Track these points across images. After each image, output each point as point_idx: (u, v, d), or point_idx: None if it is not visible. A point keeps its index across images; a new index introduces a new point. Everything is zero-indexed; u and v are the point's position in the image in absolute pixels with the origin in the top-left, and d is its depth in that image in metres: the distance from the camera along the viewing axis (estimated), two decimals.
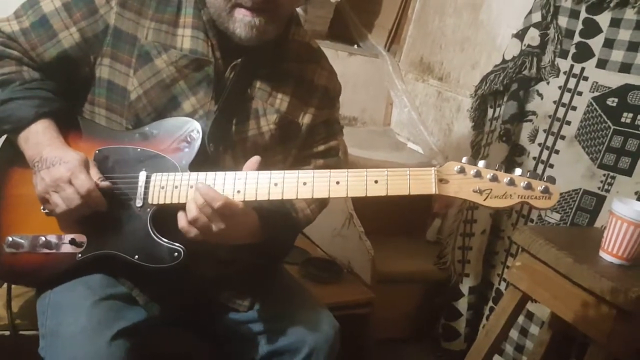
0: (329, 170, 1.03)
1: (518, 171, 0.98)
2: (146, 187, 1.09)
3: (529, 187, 0.96)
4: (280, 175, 1.04)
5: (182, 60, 1.13)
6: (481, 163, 0.99)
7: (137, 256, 1.08)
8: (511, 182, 0.97)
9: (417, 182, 0.99)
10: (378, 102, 2.90)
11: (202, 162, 1.11)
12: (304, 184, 1.02)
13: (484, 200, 0.97)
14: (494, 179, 0.97)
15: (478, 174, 0.98)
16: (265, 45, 1.14)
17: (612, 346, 1.38)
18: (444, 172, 0.99)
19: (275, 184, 1.03)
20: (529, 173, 0.98)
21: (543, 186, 0.97)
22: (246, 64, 1.15)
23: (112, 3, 1.12)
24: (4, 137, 1.17)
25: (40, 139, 1.08)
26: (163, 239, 1.08)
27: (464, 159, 0.99)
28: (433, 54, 2.74)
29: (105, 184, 1.07)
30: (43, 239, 1.11)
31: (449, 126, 2.61)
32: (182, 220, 1.03)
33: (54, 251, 1.11)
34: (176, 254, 1.07)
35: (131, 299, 1.16)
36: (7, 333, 1.28)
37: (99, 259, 1.11)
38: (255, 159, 1.06)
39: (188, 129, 1.12)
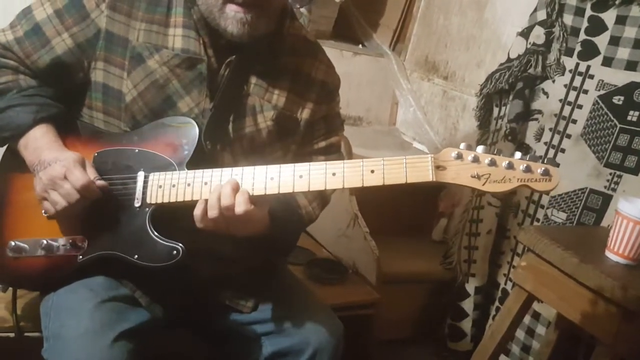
0: (324, 162, 1.03)
1: (517, 154, 0.96)
2: (144, 187, 1.10)
3: (528, 170, 0.94)
4: (277, 169, 1.03)
5: (174, 60, 1.14)
6: (479, 148, 0.97)
7: (136, 256, 1.09)
8: (510, 166, 0.95)
9: (414, 170, 0.97)
10: (383, 101, 2.89)
11: (200, 160, 1.11)
12: (300, 176, 1.02)
13: (483, 185, 0.95)
14: (492, 163, 0.95)
15: (476, 159, 0.96)
16: (259, 40, 1.14)
17: (618, 346, 1.37)
18: (441, 158, 0.97)
19: (272, 178, 1.03)
20: (528, 156, 0.96)
21: (543, 168, 0.94)
22: (241, 60, 1.15)
23: (103, 7, 1.13)
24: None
25: (39, 144, 1.09)
26: (162, 237, 1.08)
27: (462, 145, 0.97)
28: (438, 52, 2.73)
29: (101, 182, 1.08)
30: (44, 242, 1.12)
31: (454, 125, 2.60)
32: (199, 210, 1.03)
33: (55, 254, 1.12)
34: (175, 252, 1.07)
35: (134, 301, 1.16)
36: (12, 335, 1.29)
37: (100, 260, 1.11)
38: None
39: (184, 128, 1.12)
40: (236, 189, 1.02)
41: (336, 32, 2.90)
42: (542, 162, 0.95)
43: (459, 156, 0.97)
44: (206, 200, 1.03)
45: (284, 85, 1.22)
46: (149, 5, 1.14)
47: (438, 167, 0.97)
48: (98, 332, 1.04)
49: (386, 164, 0.98)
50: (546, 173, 0.95)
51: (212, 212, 1.01)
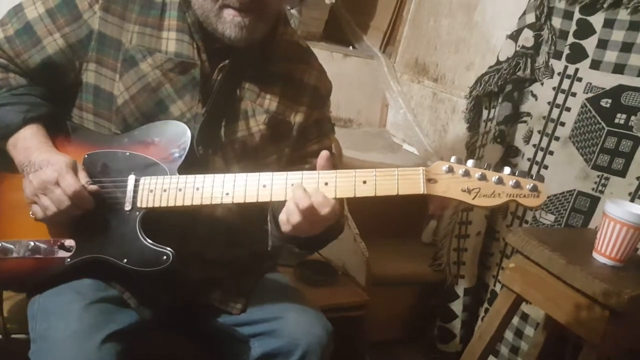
0: (317, 171, 1.03)
1: (507, 170, 0.98)
2: (135, 191, 1.09)
3: (517, 185, 0.96)
4: (269, 177, 1.04)
5: (168, 64, 1.13)
6: (470, 162, 0.99)
7: (125, 260, 1.08)
8: (499, 181, 0.97)
9: (406, 182, 0.99)
10: (373, 103, 2.90)
11: (191, 165, 1.11)
12: (292, 185, 1.03)
13: (473, 199, 0.97)
14: (482, 177, 0.97)
15: (466, 173, 0.98)
16: (252, 45, 1.14)
17: (605, 347, 1.38)
18: (433, 171, 0.99)
19: (264, 186, 1.04)
20: (517, 172, 0.98)
21: (531, 184, 0.96)
22: (234, 65, 1.15)
23: (96, 8, 1.12)
24: None
25: (28, 144, 1.08)
26: (152, 242, 1.08)
27: (453, 159, 0.99)
28: (428, 55, 2.74)
29: (93, 187, 1.07)
30: (32, 244, 1.11)
31: (444, 127, 2.61)
32: (284, 215, 1.03)
33: (43, 256, 1.11)
34: (165, 257, 1.07)
35: (122, 302, 1.16)
36: None
37: (89, 263, 1.11)
38: (325, 155, 1.04)
39: (176, 132, 1.12)
40: (305, 191, 1.01)
41: (327, 33, 2.91)
42: (531, 178, 0.97)
43: (450, 170, 0.99)
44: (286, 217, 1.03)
45: (276, 90, 1.22)
46: (142, 8, 1.14)
47: (429, 180, 0.99)
48: (86, 334, 1.03)
49: (378, 175, 1.00)
50: (534, 189, 0.97)
51: (295, 219, 1.01)
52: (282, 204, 1.05)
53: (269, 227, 1.21)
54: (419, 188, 0.98)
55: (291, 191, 1.02)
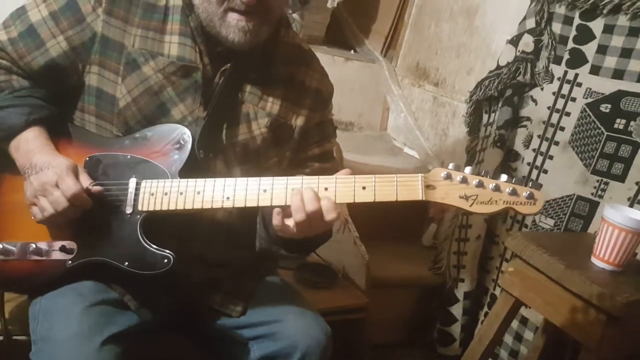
0: (317, 176, 1.04)
1: (504, 177, 0.99)
2: (136, 194, 1.10)
3: (514, 193, 0.98)
4: (269, 182, 1.05)
5: (170, 67, 1.14)
6: (467, 169, 1.00)
7: (126, 263, 1.09)
8: (496, 188, 0.98)
9: (405, 188, 1.00)
10: (374, 107, 2.91)
11: (192, 168, 1.12)
12: (293, 189, 1.03)
13: (470, 206, 0.98)
14: (480, 185, 0.98)
15: (464, 180, 0.99)
16: (254, 48, 1.15)
17: (602, 351, 1.39)
18: (431, 178, 1.00)
19: (264, 190, 1.04)
20: (514, 179, 0.99)
21: (528, 192, 0.97)
22: (236, 68, 1.16)
23: (99, 11, 1.13)
24: None
25: (30, 147, 1.09)
26: (153, 245, 1.08)
27: (451, 165, 1.00)
28: (429, 59, 2.75)
29: (97, 188, 1.08)
30: (33, 245, 1.11)
31: (444, 131, 2.61)
32: (277, 220, 1.04)
33: (44, 258, 1.11)
34: (166, 260, 1.07)
35: (123, 304, 1.16)
36: (0, 338, 1.29)
37: (90, 265, 1.11)
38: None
39: (178, 136, 1.13)
40: (317, 194, 1.02)
41: (328, 37, 2.92)
42: (527, 186, 0.98)
43: (448, 176, 1.00)
44: (280, 210, 1.04)
45: (277, 93, 1.22)
46: (145, 12, 1.14)
47: (428, 187, 1.00)
48: (86, 336, 1.04)
49: (377, 181, 1.01)
50: (531, 197, 0.98)
51: (299, 215, 1.01)
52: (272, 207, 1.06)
53: (258, 228, 1.22)
54: (418, 194, 1.00)
55: (299, 190, 1.02)
